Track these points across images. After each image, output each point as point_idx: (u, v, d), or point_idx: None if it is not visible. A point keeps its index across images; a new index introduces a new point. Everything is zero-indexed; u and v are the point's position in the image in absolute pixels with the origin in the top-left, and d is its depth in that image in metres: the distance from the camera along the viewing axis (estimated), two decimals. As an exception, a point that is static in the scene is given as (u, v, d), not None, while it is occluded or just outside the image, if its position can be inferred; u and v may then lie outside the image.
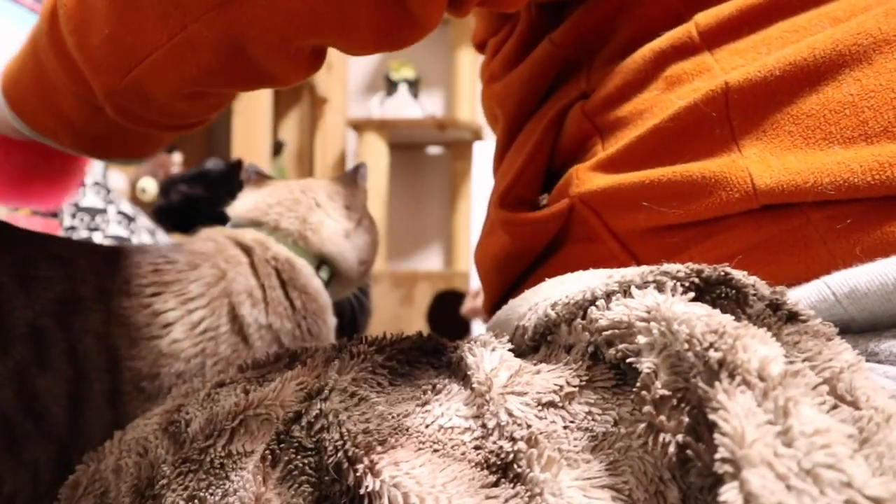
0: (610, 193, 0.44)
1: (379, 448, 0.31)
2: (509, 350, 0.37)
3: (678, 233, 0.42)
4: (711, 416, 0.25)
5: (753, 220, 0.39)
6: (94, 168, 1.72)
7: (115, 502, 0.37)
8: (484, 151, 1.41)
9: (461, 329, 2.10)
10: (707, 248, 0.41)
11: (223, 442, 0.35)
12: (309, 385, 0.37)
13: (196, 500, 0.34)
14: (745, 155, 0.40)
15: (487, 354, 0.36)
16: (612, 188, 0.44)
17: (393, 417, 0.33)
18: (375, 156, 2.56)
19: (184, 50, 0.40)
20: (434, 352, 0.41)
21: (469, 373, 0.35)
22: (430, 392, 0.36)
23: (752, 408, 0.24)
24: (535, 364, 0.35)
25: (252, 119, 2.19)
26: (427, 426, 0.33)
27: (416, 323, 2.53)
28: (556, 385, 0.33)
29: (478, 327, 1.99)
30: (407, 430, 0.32)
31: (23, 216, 1.35)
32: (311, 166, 2.80)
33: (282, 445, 0.34)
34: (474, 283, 1.85)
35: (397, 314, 2.58)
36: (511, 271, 0.55)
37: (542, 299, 0.39)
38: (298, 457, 0.33)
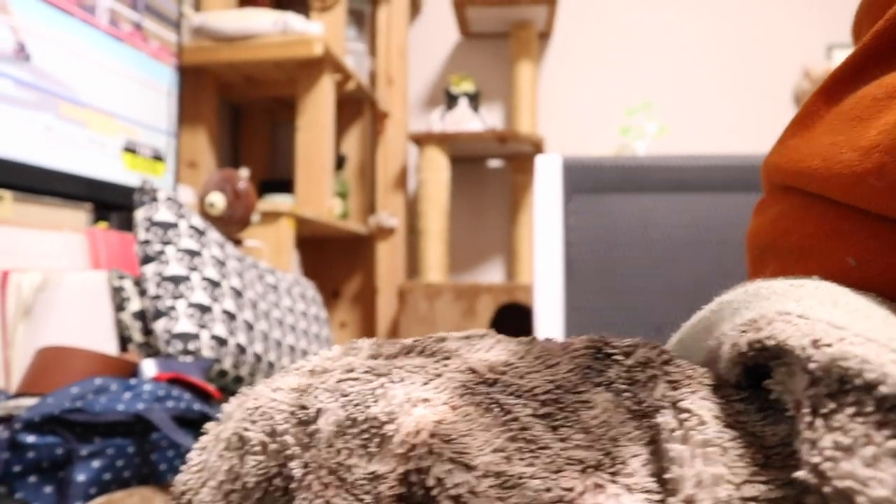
0: None
1: None
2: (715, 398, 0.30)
3: None
4: None
5: None
6: (166, 183, 1.78)
7: (237, 474, 0.35)
8: (544, 164, 1.40)
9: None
10: None
11: (364, 461, 0.32)
12: (445, 423, 0.32)
13: None
14: None
15: (690, 453, 0.29)
16: None
17: (553, 501, 0.28)
18: (436, 169, 2.58)
19: None
20: (602, 358, 0.36)
21: (671, 473, 0.29)
22: (603, 462, 0.30)
23: None
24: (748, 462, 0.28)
25: (315, 134, 2.24)
26: None
27: (476, 336, 2.52)
28: None
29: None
30: None
31: (100, 230, 1.41)
32: (372, 180, 2.84)
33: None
34: None
35: (459, 327, 2.58)
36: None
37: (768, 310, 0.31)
38: None
